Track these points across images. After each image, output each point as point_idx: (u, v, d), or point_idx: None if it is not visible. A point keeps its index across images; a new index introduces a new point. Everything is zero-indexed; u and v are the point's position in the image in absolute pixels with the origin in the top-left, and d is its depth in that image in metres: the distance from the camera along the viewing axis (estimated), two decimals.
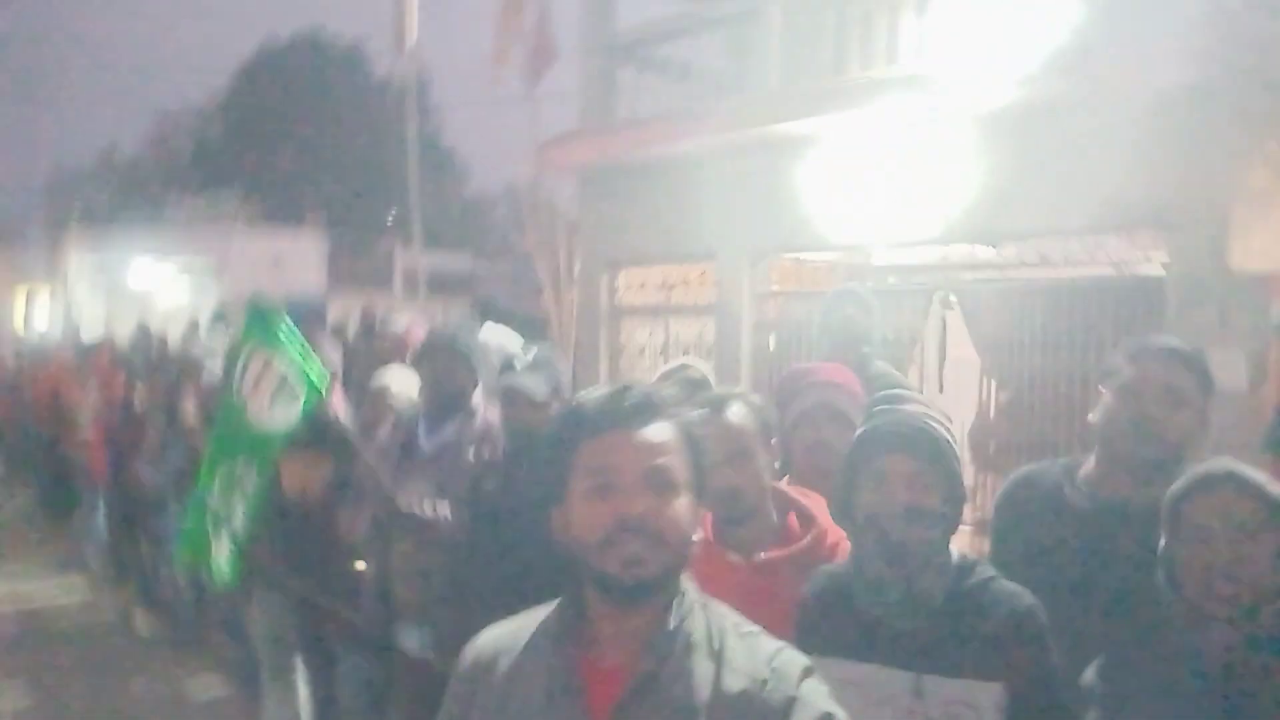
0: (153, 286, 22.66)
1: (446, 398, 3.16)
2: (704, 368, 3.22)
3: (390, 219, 24.67)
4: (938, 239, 6.77)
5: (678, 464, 1.34)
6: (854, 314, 3.47)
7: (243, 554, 3.73)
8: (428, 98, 35.62)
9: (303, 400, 3.57)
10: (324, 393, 3.52)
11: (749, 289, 8.35)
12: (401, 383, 3.75)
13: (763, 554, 2.09)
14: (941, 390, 6.65)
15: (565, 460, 1.35)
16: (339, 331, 7.47)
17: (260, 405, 3.76)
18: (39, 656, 6.06)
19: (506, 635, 1.43)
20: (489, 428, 3.08)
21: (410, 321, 5.95)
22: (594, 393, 1.40)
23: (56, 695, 5.44)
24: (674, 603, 1.33)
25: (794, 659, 1.34)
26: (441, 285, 25.13)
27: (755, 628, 1.39)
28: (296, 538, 3.62)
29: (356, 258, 25.81)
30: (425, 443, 3.15)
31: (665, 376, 3.12)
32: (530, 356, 3.07)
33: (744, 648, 1.33)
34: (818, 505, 2.18)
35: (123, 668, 5.87)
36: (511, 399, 2.96)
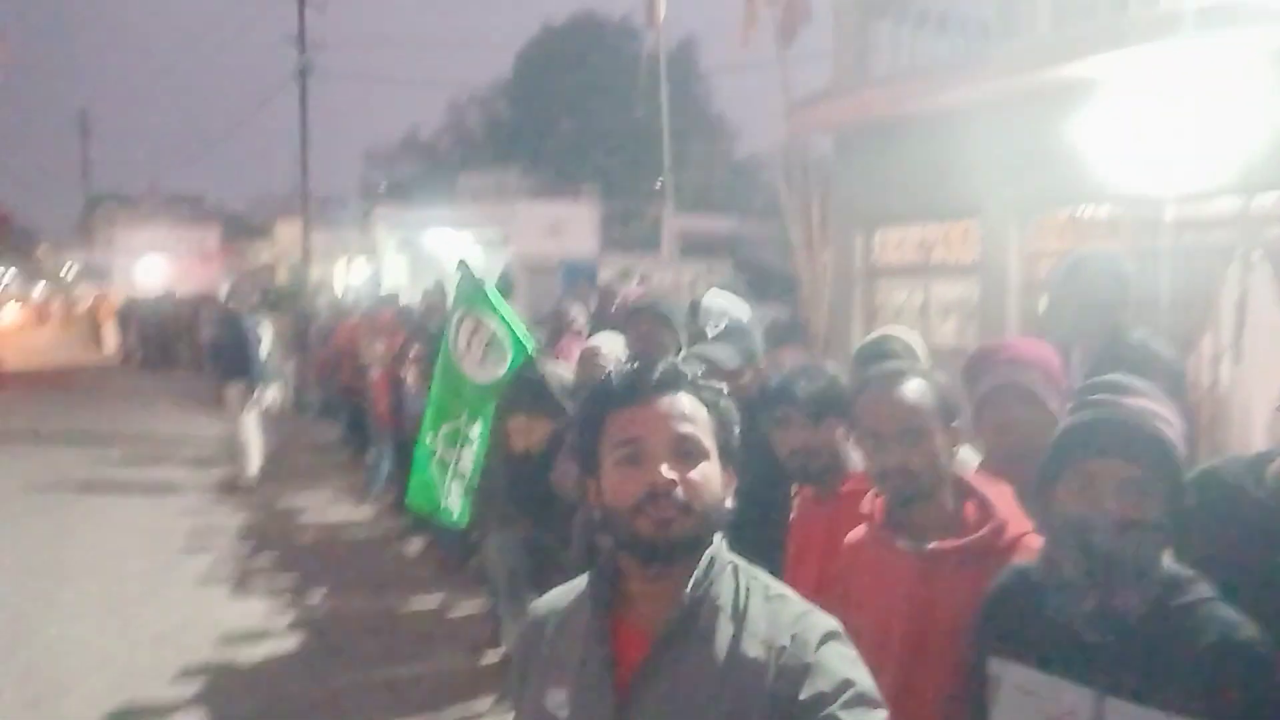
0: (449, 254, 24.72)
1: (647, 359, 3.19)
2: (912, 337, 3.01)
3: (658, 185, 25.29)
4: (1238, 189, 5.96)
5: (704, 432, 1.38)
6: (1097, 279, 3.07)
7: (474, 498, 4.11)
8: (694, 64, 36.19)
9: (511, 359, 3.89)
10: (531, 353, 3.76)
11: (1016, 247, 7.80)
12: (611, 344, 3.85)
13: (933, 543, 1.94)
14: (1240, 361, 5.88)
15: (596, 432, 1.41)
16: (608, 291, 7.79)
17: (473, 362, 4.13)
18: (330, 566, 6.93)
19: (560, 595, 1.51)
20: None
21: (635, 287, 6.06)
22: (622, 368, 1.46)
23: (343, 599, 6.19)
24: (702, 566, 1.36)
25: (817, 624, 1.34)
26: (708, 248, 25.51)
27: (785, 590, 1.41)
28: (523, 486, 3.91)
29: (627, 223, 26.72)
30: None
31: (864, 349, 2.94)
32: (722, 325, 3.00)
33: (767, 611, 1.35)
34: (1000, 495, 2.01)
35: (396, 583, 6.59)
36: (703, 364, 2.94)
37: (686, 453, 1.35)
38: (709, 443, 1.38)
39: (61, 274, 46.78)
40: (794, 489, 2.67)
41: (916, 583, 1.95)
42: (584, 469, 1.43)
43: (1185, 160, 5.92)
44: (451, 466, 4.37)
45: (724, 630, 1.33)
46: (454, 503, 4.39)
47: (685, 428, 1.36)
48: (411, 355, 6.85)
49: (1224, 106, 5.68)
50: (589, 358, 3.84)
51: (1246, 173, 5.66)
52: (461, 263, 4.67)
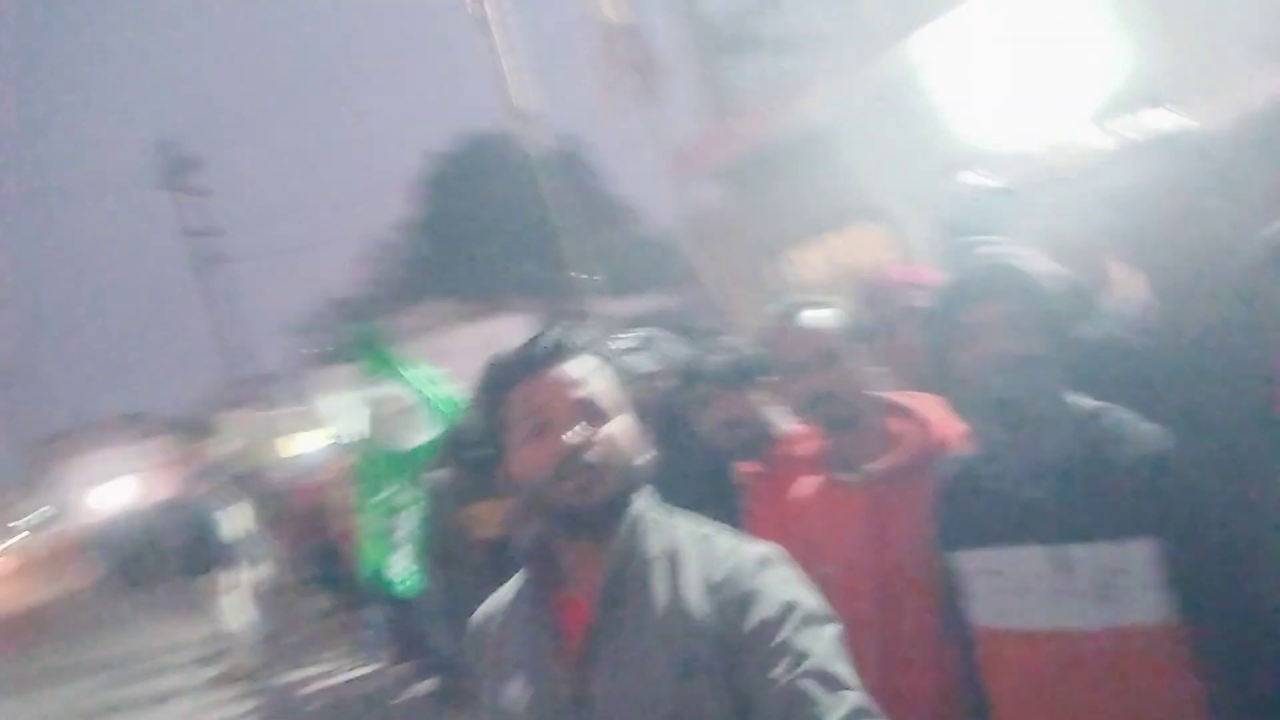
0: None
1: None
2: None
3: (580, 279, 25.69)
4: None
5: (605, 391, 1.38)
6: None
7: (419, 567, 4.10)
8: (581, 156, 36.95)
9: (439, 422, 3.88)
10: (456, 415, 3.78)
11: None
12: None
13: (871, 466, 1.93)
14: None
15: (496, 414, 1.40)
16: None
17: (390, 435, 4.13)
18: None
19: (493, 602, 1.51)
20: None
21: None
22: (511, 346, 1.45)
23: None
24: (627, 523, 1.35)
25: (750, 552, 1.34)
26: (645, 325, 25.67)
27: (712, 529, 1.41)
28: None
29: (557, 323, 26.93)
30: None
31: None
32: (634, 337, 3.03)
33: (699, 552, 1.35)
34: (927, 403, 1.99)
35: None
36: None
37: (591, 414, 1.34)
38: (610, 401, 1.37)
39: (24, 523, 45.65)
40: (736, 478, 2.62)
41: (868, 514, 1.93)
42: (493, 451, 1.41)
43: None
44: (389, 537, 4.34)
45: (660, 580, 1.32)
46: (401, 571, 4.39)
47: (583, 392, 1.35)
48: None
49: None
50: None
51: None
52: (356, 329, 4.73)
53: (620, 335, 3.04)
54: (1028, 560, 1.51)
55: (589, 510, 1.32)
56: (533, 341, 1.41)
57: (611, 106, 9.74)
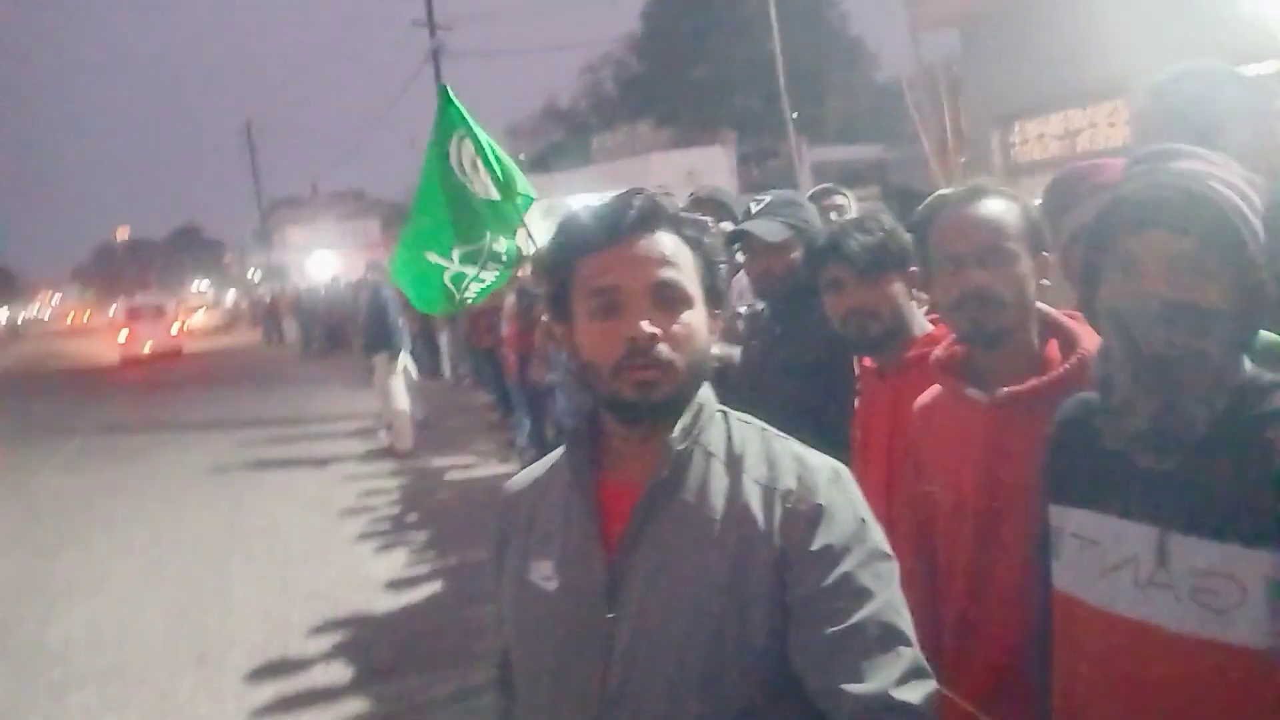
0: None
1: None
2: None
3: (794, 119, 24.57)
4: None
5: (687, 276, 1.23)
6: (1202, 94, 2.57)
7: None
8: None
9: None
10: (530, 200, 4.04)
11: None
12: None
13: (1006, 388, 1.67)
14: None
15: (568, 277, 1.26)
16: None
17: (483, 184, 4.19)
18: (472, 521, 6.97)
19: (536, 469, 1.42)
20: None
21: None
22: (595, 205, 1.28)
23: (481, 549, 6.22)
24: (690, 413, 1.25)
25: (821, 464, 1.24)
26: (854, 178, 24.59)
27: (783, 435, 1.29)
28: None
29: (764, 163, 26.14)
30: None
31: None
32: (765, 200, 2.72)
33: (764, 454, 1.25)
34: (1090, 331, 1.67)
35: None
36: (745, 245, 2.71)
37: (668, 300, 1.21)
38: (693, 287, 1.23)
39: (248, 277, 50.34)
40: (857, 368, 2.41)
41: (990, 438, 1.70)
42: (556, 316, 1.29)
43: None
44: (471, 276, 4.57)
45: (718, 477, 1.22)
46: (471, 293, 4.65)
47: (666, 272, 1.21)
48: (537, 314, 6.82)
49: None
50: None
51: None
52: (442, 88, 4.70)
53: (756, 197, 2.77)
54: (1128, 537, 1.30)
55: (649, 407, 1.21)
56: (620, 205, 1.24)
57: None
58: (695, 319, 1.23)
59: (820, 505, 1.18)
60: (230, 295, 50.12)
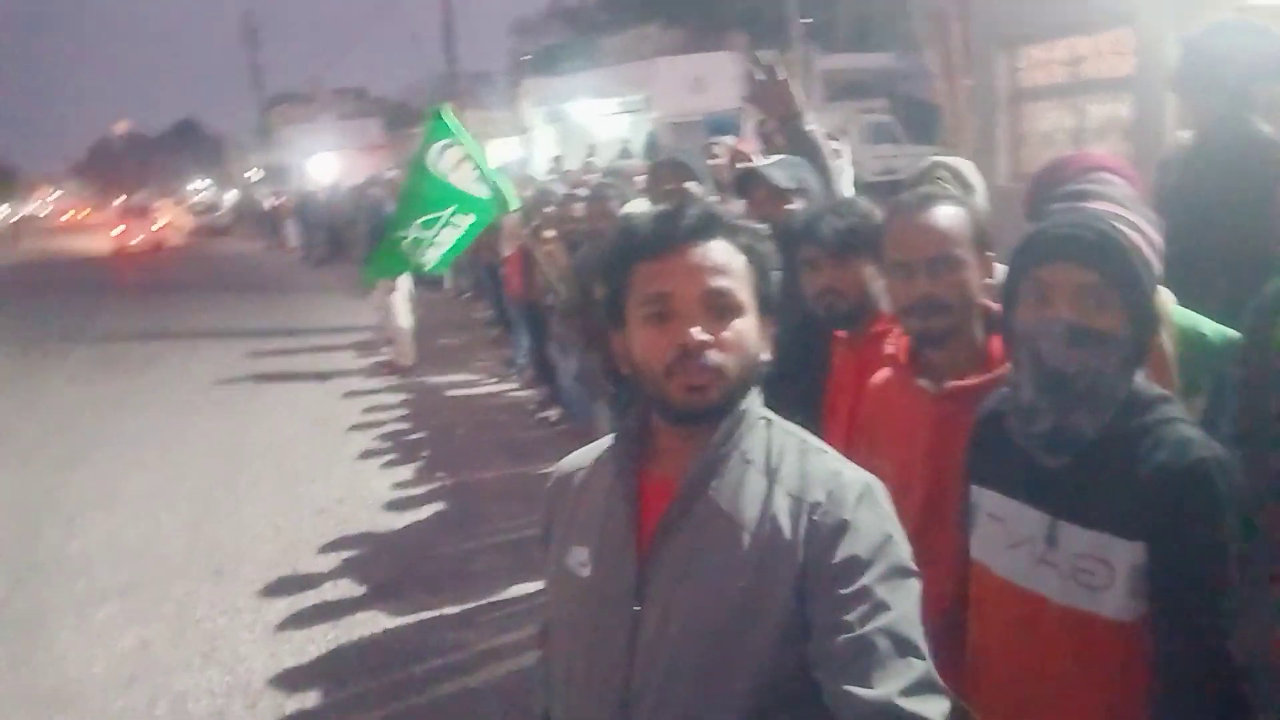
0: (594, 123, 24.58)
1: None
2: (964, 165, 2.74)
3: (806, 25, 23.96)
4: None
5: (739, 284, 1.27)
6: (1230, 52, 2.62)
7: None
8: None
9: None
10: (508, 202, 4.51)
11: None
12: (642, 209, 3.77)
13: (951, 381, 1.85)
14: None
15: (622, 283, 1.30)
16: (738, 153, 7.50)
17: (466, 178, 4.57)
18: (474, 438, 7.29)
19: (585, 454, 1.46)
20: None
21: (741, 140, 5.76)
22: (648, 211, 1.33)
23: (483, 468, 6.55)
24: (733, 417, 1.28)
25: (853, 480, 1.26)
26: (864, 88, 24.13)
27: (820, 446, 1.32)
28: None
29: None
30: None
31: (916, 177, 2.72)
32: (774, 158, 2.81)
33: (800, 465, 1.28)
34: None
35: (531, 451, 6.87)
36: (749, 186, 2.77)
37: (721, 309, 1.25)
38: (745, 295, 1.27)
39: (247, 177, 49.82)
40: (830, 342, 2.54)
41: (935, 425, 1.87)
42: (610, 321, 1.34)
43: None
44: (428, 240, 5.12)
45: (754, 483, 1.26)
46: (430, 259, 5.23)
47: (719, 281, 1.25)
48: (545, 233, 6.87)
49: None
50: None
51: None
52: (435, 111, 5.27)
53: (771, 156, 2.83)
54: (1026, 520, 1.53)
55: (698, 410, 1.25)
56: (675, 213, 1.28)
57: None
58: (746, 326, 1.26)
59: (846, 520, 1.20)
60: (230, 195, 49.70)
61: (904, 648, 1.15)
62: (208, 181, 60.85)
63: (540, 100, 27.00)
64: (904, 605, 1.18)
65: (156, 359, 12.02)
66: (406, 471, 6.66)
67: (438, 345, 10.98)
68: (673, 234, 1.26)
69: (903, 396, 1.97)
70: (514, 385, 8.91)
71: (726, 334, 1.24)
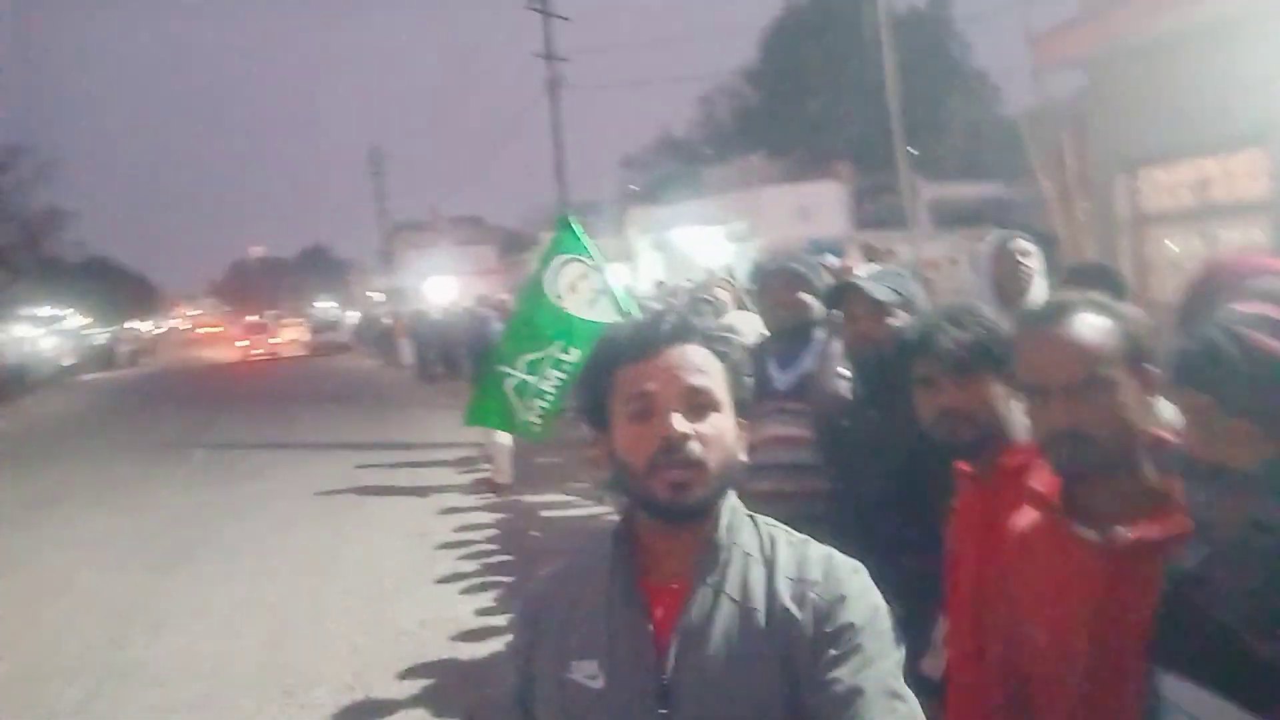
0: (698, 250, 24.89)
1: (787, 325, 2.88)
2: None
3: (913, 154, 24.03)
4: None
5: (716, 384, 1.33)
6: None
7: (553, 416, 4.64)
8: (948, 22, 34.06)
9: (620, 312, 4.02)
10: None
11: None
12: (745, 322, 3.55)
13: (1125, 531, 1.49)
14: None
15: (605, 387, 1.36)
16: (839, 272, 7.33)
17: (580, 302, 4.24)
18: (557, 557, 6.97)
19: (560, 572, 1.46)
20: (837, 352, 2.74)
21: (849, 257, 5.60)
22: (629, 320, 1.42)
23: None
24: (722, 517, 1.34)
25: (844, 561, 1.34)
26: (974, 217, 23.81)
27: (804, 537, 1.38)
28: None
29: (878, 198, 25.63)
30: (779, 379, 2.90)
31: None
32: (878, 270, 2.62)
33: (794, 554, 1.34)
34: None
35: None
36: (846, 300, 2.56)
37: (699, 405, 1.31)
38: (721, 395, 1.33)
39: (368, 297, 52.16)
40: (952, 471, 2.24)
41: (1103, 582, 1.52)
42: (594, 424, 1.38)
43: None
44: (532, 388, 4.63)
45: (756, 575, 1.31)
46: (534, 419, 4.73)
47: (697, 379, 1.32)
48: None
49: None
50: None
51: None
52: (563, 218, 4.89)
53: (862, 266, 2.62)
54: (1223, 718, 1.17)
55: (681, 507, 1.29)
56: (653, 320, 1.37)
57: None
58: (724, 423, 1.32)
59: (843, 595, 1.28)
60: (352, 315, 52.01)
61: (892, 694, 1.23)
62: (332, 302, 63.98)
63: (646, 228, 27.59)
64: (890, 663, 1.26)
65: (265, 468, 12.28)
66: (490, 598, 6.43)
67: (536, 464, 10.88)
68: (653, 338, 1.34)
69: (1055, 545, 1.62)
70: (608, 509, 8.68)
71: (706, 429, 1.29)
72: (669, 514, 1.30)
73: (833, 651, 1.24)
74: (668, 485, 1.27)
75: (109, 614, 6.59)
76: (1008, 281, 3.13)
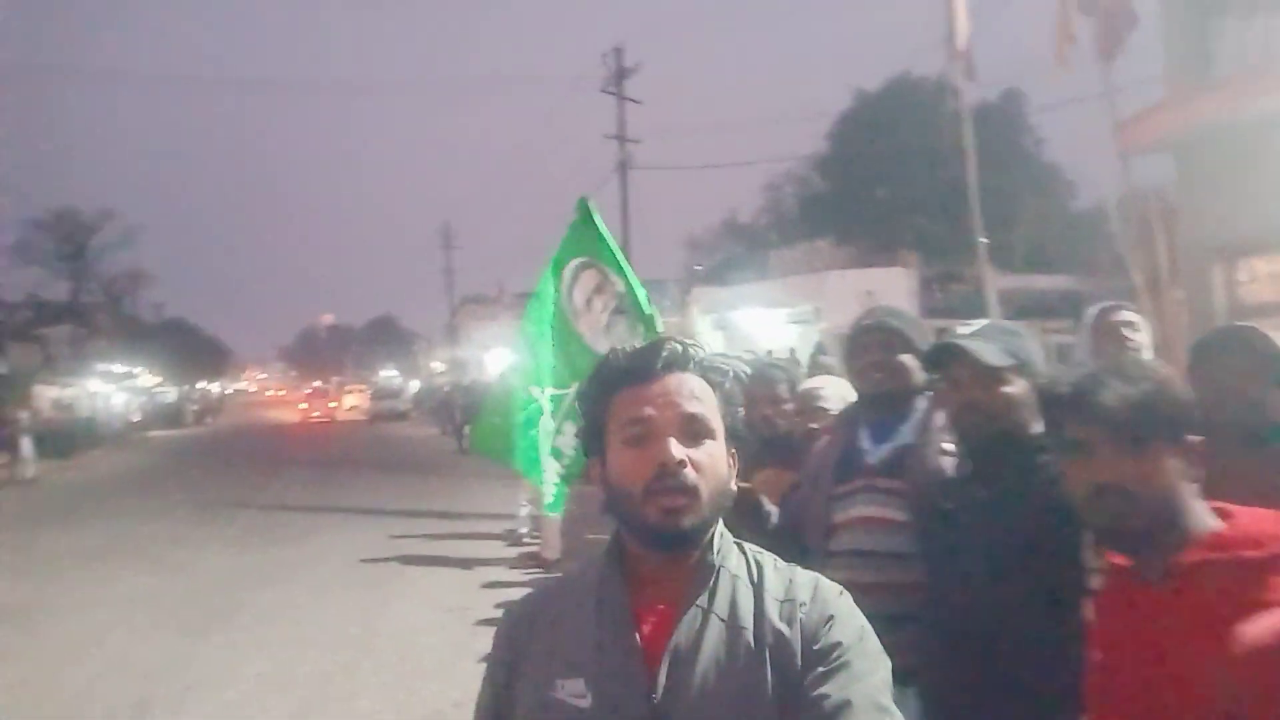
0: (761, 330, 24.65)
1: (883, 391, 2.49)
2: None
3: (983, 244, 23.66)
4: None
5: (710, 412, 1.35)
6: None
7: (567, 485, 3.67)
8: (1020, 116, 33.89)
9: (642, 330, 3.25)
10: (657, 328, 3.17)
11: None
12: (835, 386, 3.19)
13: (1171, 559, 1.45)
14: None
15: (603, 411, 1.38)
16: None
17: (594, 326, 3.50)
18: None
19: (548, 590, 1.46)
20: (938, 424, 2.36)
21: None
22: (627, 347, 1.42)
23: None
24: (712, 542, 1.35)
25: (830, 585, 1.36)
26: (1044, 309, 23.22)
27: (790, 564, 1.40)
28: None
29: (947, 286, 25.18)
30: (871, 451, 2.51)
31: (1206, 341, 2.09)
32: (977, 325, 2.23)
33: (782, 578, 1.36)
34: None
35: None
36: (948, 363, 2.16)
37: (694, 432, 1.33)
38: (715, 423, 1.36)
39: (431, 367, 52.69)
40: (1095, 558, 1.84)
41: (1165, 619, 1.46)
42: (590, 449, 1.41)
43: None
44: (550, 438, 3.80)
45: (744, 597, 1.32)
46: (549, 484, 3.86)
47: (693, 406, 1.34)
48: None
49: None
50: (807, 399, 3.20)
51: None
52: (582, 201, 3.90)
53: (964, 322, 2.28)
54: None
55: (674, 535, 1.30)
56: (650, 348, 1.39)
57: (1064, 57, 8.19)
58: (718, 451, 1.34)
59: (831, 614, 1.30)
60: (413, 384, 52.53)
61: (880, 709, 1.24)
62: (395, 371, 64.87)
63: (709, 308, 27.47)
64: (878, 679, 1.27)
65: (310, 532, 12.08)
66: None
67: (585, 539, 10.48)
68: (651, 364, 1.36)
69: (1116, 591, 1.44)
70: None
71: (700, 456, 1.31)
72: (661, 540, 1.31)
73: (821, 668, 1.26)
74: (661, 511, 1.28)
75: (137, 678, 6.33)
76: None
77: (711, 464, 1.32)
